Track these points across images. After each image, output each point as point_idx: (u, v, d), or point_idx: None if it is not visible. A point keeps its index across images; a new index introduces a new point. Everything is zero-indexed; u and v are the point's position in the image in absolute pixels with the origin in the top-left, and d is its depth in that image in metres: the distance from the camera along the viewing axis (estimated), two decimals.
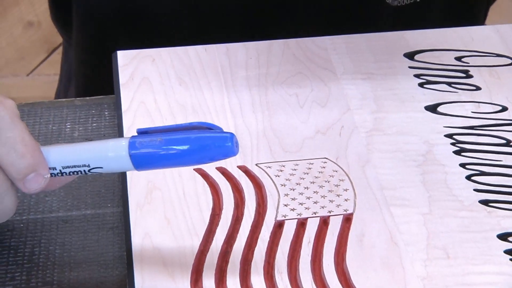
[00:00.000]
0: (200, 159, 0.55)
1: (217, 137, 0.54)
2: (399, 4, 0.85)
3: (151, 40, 0.78)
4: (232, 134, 0.54)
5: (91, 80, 0.91)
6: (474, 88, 0.73)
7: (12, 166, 0.54)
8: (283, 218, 0.62)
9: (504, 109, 0.71)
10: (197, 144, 0.54)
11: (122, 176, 0.65)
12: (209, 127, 0.55)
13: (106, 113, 0.72)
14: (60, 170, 0.56)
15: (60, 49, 1.19)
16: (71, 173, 0.56)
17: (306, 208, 0.62)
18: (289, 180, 0.64)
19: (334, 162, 0.66)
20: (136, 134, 0.56)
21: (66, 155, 0.56)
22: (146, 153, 0.55)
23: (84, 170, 0.56)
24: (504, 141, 0.68)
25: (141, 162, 0.55)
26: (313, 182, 0.64)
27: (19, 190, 0.56)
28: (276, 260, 0.59)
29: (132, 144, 0.55)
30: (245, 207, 0.62)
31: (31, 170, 0.55)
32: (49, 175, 0.56)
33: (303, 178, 0.65)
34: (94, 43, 0.89)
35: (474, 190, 0.64)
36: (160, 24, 0.85)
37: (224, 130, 0.55)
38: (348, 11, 0.85)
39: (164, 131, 0.55)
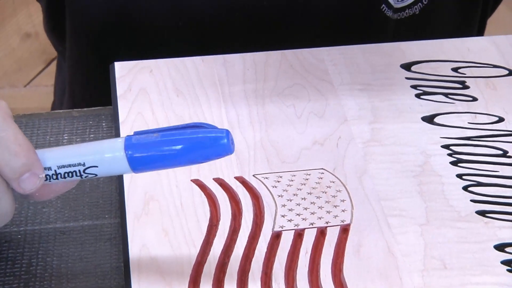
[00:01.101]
0: (196, 157, 0.54)
1: (213, 132, 0.54)
2: (399, 17, 0.85)
3: (147, 52, 0.78)
4: (227, 131, 0.54)
5: (85, 91, 0.91)
6: (471, 99, 0.73)
7: (6, 166, 0.54)
8: (281, 229, 0.62)
9: (501, 119, 0.71)
10: (194, 139, 0.54)
11: (120, 187, 0.65)
12: (203, 126, 0.55)
13: (103, 124, 0.72)
14: (55, 171, 0.56)
15: None
16: (66, 174, 0.56)
17: (303, 219, 0.62)
18: (286, 191, 0.64)
19: (331, 173, 0.66)
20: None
21: (60, 153, 0.56)
22: (142, 149, 0.54)
23: (79, 170, 0.55)
24: (500, 152, 0.68)
25: (137, 159, 0.54)
26: (310, 193, 0.64)
27: (16, 200, 0.56)
28: (273, 271, 0.59)
29: (128, 140, 0.55)
30: (243, 218, 0.62)
31: (25, 169, 0.55)
32: (44, 175, 0.56)
33: (300, 189, 0.65)
34: (89, 55, 0.89)
35: (471, 200, 0.64)
36: (155, 35, 0.85)
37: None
38: (348, 24, 0.85)
39: (160, 131, 0.55)
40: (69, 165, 0.55)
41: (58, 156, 0.56)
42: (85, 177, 0.56)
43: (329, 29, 0.85)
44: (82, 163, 0.55)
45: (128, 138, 0.55)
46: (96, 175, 0.56)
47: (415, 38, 0.80)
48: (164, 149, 0.54)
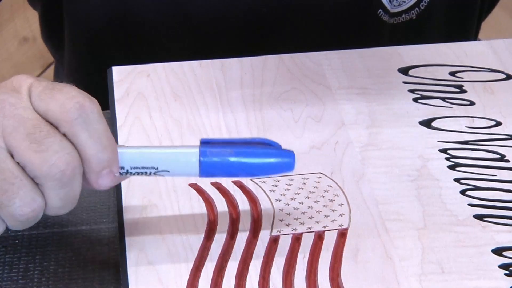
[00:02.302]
0: (263, 172, 0.58)
1: (283, 155, 0.58)
2: (395, 22, 0.85)
3: (145, 57, 0.79)
4: (294, 154, 0.58)
5: None
6: (468, 103, 0.73)
7: (95, 157, 0.55)
8: (278, 233, 0.62)
9: (498, 124, 0.71)
10: (264, 158, 0.57)
11: (117, 192, 0.65)
12: (269, 144, 0.58)
13: None
14: (127, 170, 0.57)
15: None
16: (136, 173, 0.57)
17: (301, 223, 0.62)
18: (284, 195, 0.64)
19: (329, 177, 0.66)
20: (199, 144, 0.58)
21: (136, 156, 0.57)
22: (215, 162, 0.57)
23: (150, 172, 0.57)
24: (498, 156, 0.68)
25: (208, 170, 0.57)
26: (308, 197, 0.64)
27: None
28: (271, 276, 0.59)
29: (203, 153, 0.57)
30: (240, 222, 0.62)
31: (108, 164, 0.55)
32: (118, 174, 0.57)
33: (298, 193, 0.65)
34: (86, 61, 0.90)
35: (469, 205, 0.64)
36: (153, 40, 0.85)
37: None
38: (345, 29, 0.85)
39: (228, 143, 0.58)
40: (143, 167, 0.57)
41: (134, 159, 0.57)
42: (152, 176, 0.58)
43: (326, 34, 0.85)
44: (156, 167, 0.57)
45: (203, 152, 0.57)
46: (163, 175, 0.58)
47: (411, 42, 0.80)
48: (236, 167, 0.57)
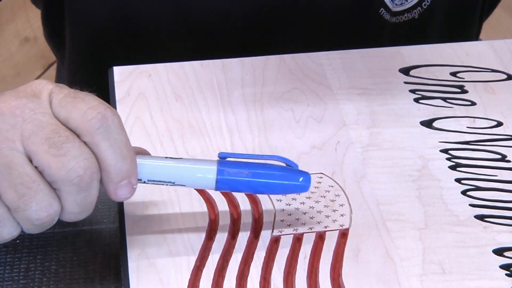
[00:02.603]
0: (277, 192, 0.59)
1: (298, 176, 0.59)
2: (397, 21, 0.85)
3: (146, 57, 0.79)
4: (309, 176, 0.59)
5: None
6: (469, 103, 0.73)
7: (114, 167, 0.55)
8: (279, 233, 0.62)
9: (499, 124, 0.71)
10: (280, 180, 0.59)
11: None
12: (287, 163, 0.59)
13: None
14: (144, 182, 0.58)
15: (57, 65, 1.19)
16: (152, 184, 0.58)
17: (302, 223, 0.62)
18: (285, 195, 0.64)
19: (330, 177, 0.66)
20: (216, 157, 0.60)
21: (155, 170, 0.58)
22: (231, 180, 0.58)
23: (167, 185, 0.58)
24: (499, 156, 0.68)
25: (223, 186, 0.58)
26: (309, 197, 0.64)
27: None
28: (272, 276, 0.59)
29: (220, 172, 0.58)
30: (241, 222, 0.62)
31: (127, 176, 0.55)
32: (136, 186, 0.57)
33: (299, 193, 0.65)
34: (87, 61, 0.90)
35: (470, 205, 0.64)
36: (155, 41, 0.85)
37: (299, 168, 0.60)
38: (347, 28, 0.85)
39: (246, 160, 0.59)
40: (160, 181, 0.58)
41: (152, 172, 0.58)
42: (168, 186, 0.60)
43: (327, 33, 0.85)
44: (173, 181, 0.58)
45: (221, 171, 0.58)
46: (178, 187, 0.59)
47: (412, 42, 0.80)
48: (251, 186, 0.59)
